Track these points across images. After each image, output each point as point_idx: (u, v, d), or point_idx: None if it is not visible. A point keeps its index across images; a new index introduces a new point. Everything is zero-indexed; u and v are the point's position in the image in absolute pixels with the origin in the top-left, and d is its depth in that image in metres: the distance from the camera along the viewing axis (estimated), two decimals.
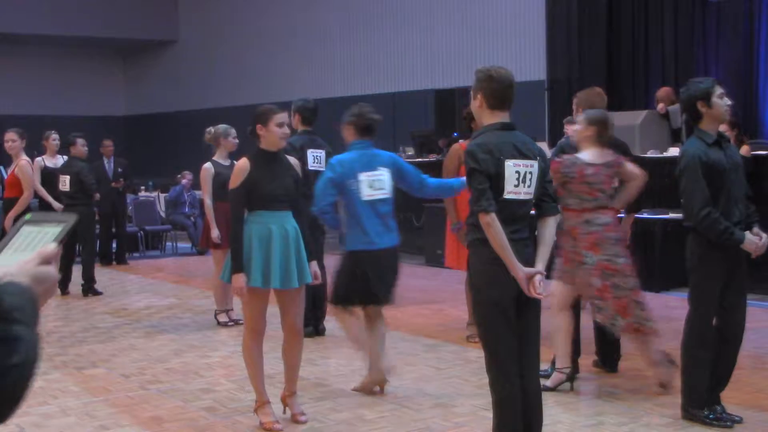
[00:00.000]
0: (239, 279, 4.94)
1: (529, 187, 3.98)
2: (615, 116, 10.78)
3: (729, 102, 5.01)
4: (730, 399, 5.34)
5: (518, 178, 3.94)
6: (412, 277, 11.11)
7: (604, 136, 5.60)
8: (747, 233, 4.87)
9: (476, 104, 4.09)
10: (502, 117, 4.06)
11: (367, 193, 5.58)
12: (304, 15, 20.43)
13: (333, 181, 5.58)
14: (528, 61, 15.60)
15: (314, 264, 5.19)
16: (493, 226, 3.86)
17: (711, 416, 5.01)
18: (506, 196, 3.93)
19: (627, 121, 11.20)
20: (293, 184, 5.11)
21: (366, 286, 5.65)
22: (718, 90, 4.93)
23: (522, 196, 3.97)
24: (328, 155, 7.61)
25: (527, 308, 4.03)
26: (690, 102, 4.95)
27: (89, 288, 10.27)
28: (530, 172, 3.98)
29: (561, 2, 14.88)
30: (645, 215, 9.65)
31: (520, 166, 3.95)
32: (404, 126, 17.06)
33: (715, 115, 4.95)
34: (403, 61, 18.03)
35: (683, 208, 5.00)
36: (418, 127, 15.60)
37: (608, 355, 6.30)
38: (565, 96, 14.25)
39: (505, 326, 3.98)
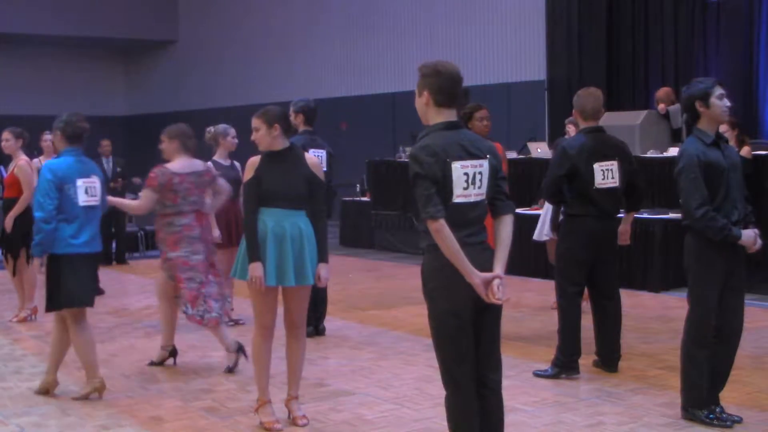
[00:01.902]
0: (256, 268, 4.97)
1: (479, 188, 3.76)
2: (615, 116, 10.90)
3: (728, 103, 5.00)
4: (730, 399, 5.34)
5: (467, 180, 3.72)
6: (412, 277, 11.11)
7: (188, 146, 6.41)
8: (744, 230, 4.89)
9: (422, 101, 3.84)
10: (449, 115, 3.81)
11: (83, 199, 5.73)
12: (304, 15, 20.44)
13: (54, 185, 5.64)
14: (528, 61, 15.60)
15: (323, 266, 5.17)
16: (442, 232, 3.62)
17: (711, 416, 5.01)
18: (456, 200, 3.70)
19: (627, 121, 11.20)
20: (303, 183, 5.10)
21: (72, 288, 5.74)
22: (718, 91, 4.93)
23: (473, 199, 3.75)
24: (329, 155, 7.62)
25: (486, 315, 3.81)
26: (689, 101, 4.97)
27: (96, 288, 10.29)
28: (480, 172, 3.75)
29: (561, 2, 14.88)
30: (645, 215, 9.66)
31: (468, 167, 3.72)
32: (404, 126, 17.05)
33: (713, 116, 4.96)
34: (403, 61, 18.03)
35: (682, 207, 5.00)
36: (418, 127, 15.56)
37: (608, 355, 6.30)
38: (565, 96, 14.26)
39: (459, 338, 3.77)
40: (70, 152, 5.81)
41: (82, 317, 5.86)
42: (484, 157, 3.78)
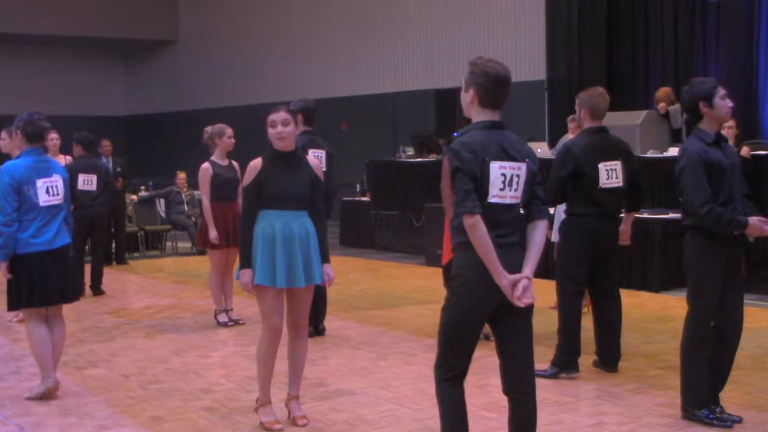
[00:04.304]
0: (246, 274, 4.99)
1: (515, 190, 3.75)
2: (615, 116, 10.89)
3: (731, 103, 5.02)
4: (730, 399, 5.35)
5: (504, 181, 3.71)
6: (412, 277, 11.12)
7: None
8: (750, 218, 4.89)
9: (467, 98, 3.83)
10: (492, 115, 3.81)
11: (44, 199, 5.72)
12: (304, 15, 20.45)
13: (12, 188, 5.64)
14: (528, 61, 15.61)
15: (327, 266, 5.19)
16: (478, 228, 3.63)
17: (711, 416, 5.01)
18: (491, 200, 3.70)
19: (627, 121, 11.21)
20: (307, 184, 5.10)
21: (47, 285, 5.72)
22: (721, 91, 4.95)
23: (508, 200, 3.74)
24: (329, 155, 7.62)
25: (511, 318, 3.79)
26: (692, 102, 4.97)
27: (98, 288, 10.30)
28: (517, 175, 3.75)
29: (561, 2, 14.89)
30: (645, 215, 9.66)
31: (506, 168, 3.72)
32: (404, 126, 17.07)
33: (717, 116, 4.97)
34: (403, 61, 18.04)
35: (683, 206, 5.00)
36: (418, 127, 15.61)
37: (608, 355, 6.30)
38: (565, 96, 14.27)
39: (470, 335, 3.83)
40: (30, 153, 5.79)
41: (38, 315, 5.83)
42: (523, 161, 3.79)
